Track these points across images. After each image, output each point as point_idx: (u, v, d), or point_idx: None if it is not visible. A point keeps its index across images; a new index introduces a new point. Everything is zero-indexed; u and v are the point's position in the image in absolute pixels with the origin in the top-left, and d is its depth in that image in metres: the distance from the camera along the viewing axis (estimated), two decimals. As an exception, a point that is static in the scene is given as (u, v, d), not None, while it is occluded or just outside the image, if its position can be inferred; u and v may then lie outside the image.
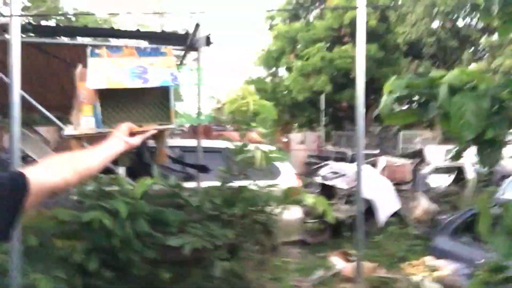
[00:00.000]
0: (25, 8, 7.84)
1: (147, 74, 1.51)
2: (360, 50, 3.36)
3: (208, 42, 3.89)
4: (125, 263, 2.99)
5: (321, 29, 15.52)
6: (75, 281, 2.79)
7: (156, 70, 1.54)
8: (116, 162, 3.40)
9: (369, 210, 5.89)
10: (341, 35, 15.62)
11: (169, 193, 3.29)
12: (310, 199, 3.19)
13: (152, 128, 1.47)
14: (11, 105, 2.21)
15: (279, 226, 3.71)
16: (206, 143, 5.52)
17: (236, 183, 3.45)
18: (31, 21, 4.45)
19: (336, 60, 14.53)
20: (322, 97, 15.27)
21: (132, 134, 1.39)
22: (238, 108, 3.07)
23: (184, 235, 3.05)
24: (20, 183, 0.93)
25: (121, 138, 1.33)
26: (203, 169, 4.13)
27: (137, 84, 1.46)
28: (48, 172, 1.04)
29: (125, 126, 1.38)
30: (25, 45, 4.81)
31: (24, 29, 3.79)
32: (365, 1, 3.49)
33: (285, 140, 16.74)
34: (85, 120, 1.59)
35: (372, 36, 14.70)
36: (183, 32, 4.66)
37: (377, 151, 10.92)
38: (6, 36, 2.66)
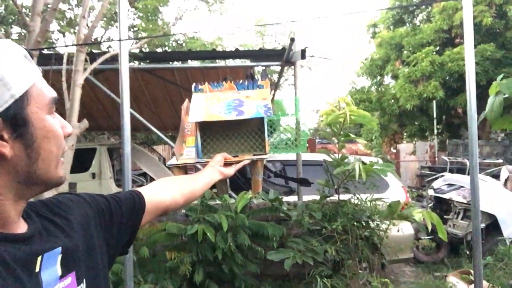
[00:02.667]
0: (137, 36, 8.71)
1: (242, 107, 1.56)
2: (469, 51, 3.05)
3: (303, 55, 3.88)
4: (229, 276, 3.07)
5: (429, 32, 14.57)
6: (182, 291, 2.93)
7: (251, 103, 1.59)
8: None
9: (492, 226, 5.28)
10: (452, 37, 14.49)
11: (269, 207, 3.31)
12: (417, 214, 2.96)
13: (245, 159, 1.53)
14: (122, 126, 2.43)
15: (388, 243, 3.50)
16: (307, 156, 5.49)
17: (340, 197, 3.36)
18: (143, 49, 4.89)
19: (448, 64, 13.43)
20: (434, 104, 14.26)
21: (227, 164, 1.45)
22: (335, 120, 2.98)
23: (285, 249, 3.04)
24: (138, 202, 1.01)
25: (216, 168, 1.40)
26: (304, 182, 4.10)
27: (232, 116, 1.51)
28: (160, 192, 1.13)
29: (220, 157, 1.45)
30: (141, 72, 5.35)
31: (136, 57, 4.19)
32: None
33: (393, 151, 15.94)
34: (187, 151, 1.69)
35: (488, 34, 13.38)
36: (280, 48, 4.74)
37: (500, 161, 9.79)
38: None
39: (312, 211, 3.24)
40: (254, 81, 1.69)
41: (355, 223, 3.22)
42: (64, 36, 8.20)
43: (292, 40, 3.74)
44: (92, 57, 3.68)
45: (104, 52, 3.85)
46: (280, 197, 3.47)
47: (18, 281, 0.62)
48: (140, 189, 1.07)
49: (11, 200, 0.67)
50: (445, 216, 6.03)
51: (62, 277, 0.71)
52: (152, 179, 9.22)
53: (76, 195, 0.90)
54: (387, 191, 5.01)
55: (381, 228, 3.38)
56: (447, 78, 14.06)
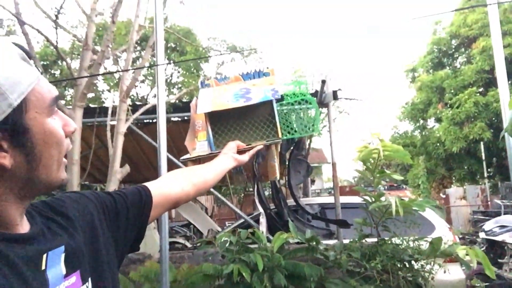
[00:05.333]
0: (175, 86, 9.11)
1: (250, 94, 1.57)
2: (503, 89, 3.05)
3: (335, 96, 3.95)
4: (267, 319, 3.00)
5: (471, 74, 14.35)
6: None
7: (258, 89, 1.58)
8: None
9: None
10: (495, 77, 14.17)
11: (306, 247, 3.27)
12: (461, 250, 2.82)
13: (258, 144, 1.52)
14: (158, 166, 2.55)
15: (434, 285, 3.32)
16: (347, 199, 5.40)
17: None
18: (181, 100, 5.14)
19: (493, 104, 13.08)
20: (481, 146, 13.74)
21: (240, 152, 1.45)
22: (368, 156, 2.98)
23: (323, 290, 2.96)
24: (145, 196, 1.00)
25: (230, 155, 1.40)
26: (344, 224, 4.03)
27: (240, 103, 1.52)
28: (168, 184, 1.11)
29: (233, 144, 1.46)
30: (182, 123, 5.59)
31: (176, 107, 4.43)
32: (500, 39, 3.23)
33: (443, 196, 15.29)
34: (199, 145, 1.71)
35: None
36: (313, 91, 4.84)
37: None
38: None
39: (350, 251, 3.17)
40: (259, 70, 1.72)
41: (396, 263, 3.10)
42: (113, 94, 8.78)
43: (324, 82, 3.83)
44: (135, 109, 3.94)
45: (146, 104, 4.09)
46: (319, 239, 3.42)
47: (24, 280, 0.61)
48: (147, 183, 1.06)
49: (13, 203, 0.66)
50: (499, 260, 5.65)
51: (66, 276, 0.70)
52: (197, 230, 9.26)
53: (79, 194, 0.89)
54: (433, 233, 4.79)
55: (425, 269, 3.23)
56: (493, 118, 13.63)
